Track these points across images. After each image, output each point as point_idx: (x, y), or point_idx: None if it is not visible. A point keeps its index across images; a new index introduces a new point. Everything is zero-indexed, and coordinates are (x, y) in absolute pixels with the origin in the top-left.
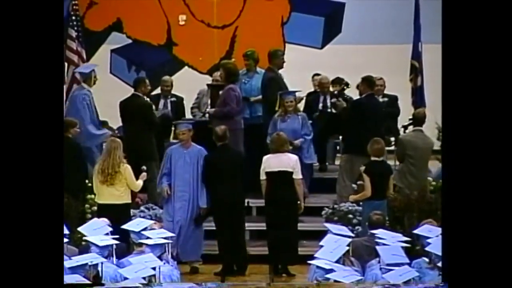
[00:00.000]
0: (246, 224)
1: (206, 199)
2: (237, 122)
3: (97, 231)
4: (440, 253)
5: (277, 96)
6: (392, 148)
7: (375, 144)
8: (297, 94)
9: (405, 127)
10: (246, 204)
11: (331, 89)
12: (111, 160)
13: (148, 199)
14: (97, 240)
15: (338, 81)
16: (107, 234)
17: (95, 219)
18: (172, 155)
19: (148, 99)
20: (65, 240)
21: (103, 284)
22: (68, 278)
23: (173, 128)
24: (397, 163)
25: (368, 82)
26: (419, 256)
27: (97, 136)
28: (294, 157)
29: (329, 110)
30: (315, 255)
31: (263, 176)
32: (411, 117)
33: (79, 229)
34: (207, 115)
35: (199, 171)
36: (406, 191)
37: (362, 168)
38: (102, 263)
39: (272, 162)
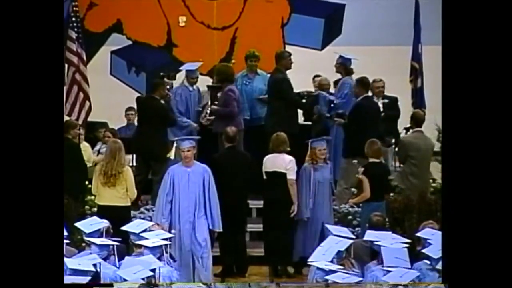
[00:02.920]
0: (247, 226)
1: (220, 222)
2: (237, 123)
3: (93, 226)
4: (437, 256)
5: (287, 97)
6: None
7: (373, 145)
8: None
9: (407, 129)
10: None
11: (332, 90)
12: (115, 162)
13: (152, 199)
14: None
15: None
16: (107, 234)
17: (94, 217)
18: (174, 175)
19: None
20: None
21: (112, 284)
22: (67, 279)
23: (175, 145)
24: (396, 164)
25: (363, 84)
26: (419, 259)
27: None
28: (289, 158)
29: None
30: (310, 257)
31: (264, 176)
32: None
33: (76, 224)
34: (205, 118)
35: (208, 191)
36: (408, 193)
37: (361, 170)
38: (100, 263)
39: (268, 162)
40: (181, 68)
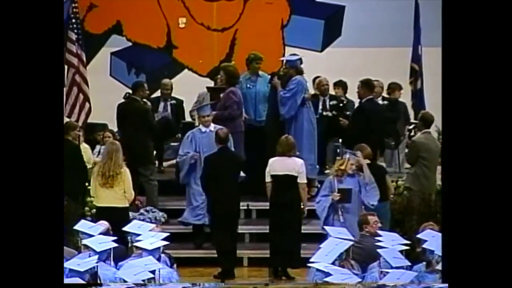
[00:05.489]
0: (246, 227)
1: None
2: (237, 125)
3: (92, 229)
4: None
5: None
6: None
7: (364, 149)
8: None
9: (410, 131)
10: (246, 207)
11: (331, 91)
12: (113, 163)
13: (147, 201)
14: (95, 244)
15: (340, 84)
16: (107, 235)
17: (83, 221)
18: None
19: (148, 102)
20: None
21: (101, 285)
22: (66, 280)
23: None
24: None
25: (367, 86)
26: (418, 260)
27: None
28: (300, 161)
29: (329, 112)
30: (312, 259)
31: (268, 179)
32: (412, 120)
33: (76, 227)
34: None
35: None
36: (419, 194)
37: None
38: (97, 266)
39: (277, 165)
40: (192, 110)
